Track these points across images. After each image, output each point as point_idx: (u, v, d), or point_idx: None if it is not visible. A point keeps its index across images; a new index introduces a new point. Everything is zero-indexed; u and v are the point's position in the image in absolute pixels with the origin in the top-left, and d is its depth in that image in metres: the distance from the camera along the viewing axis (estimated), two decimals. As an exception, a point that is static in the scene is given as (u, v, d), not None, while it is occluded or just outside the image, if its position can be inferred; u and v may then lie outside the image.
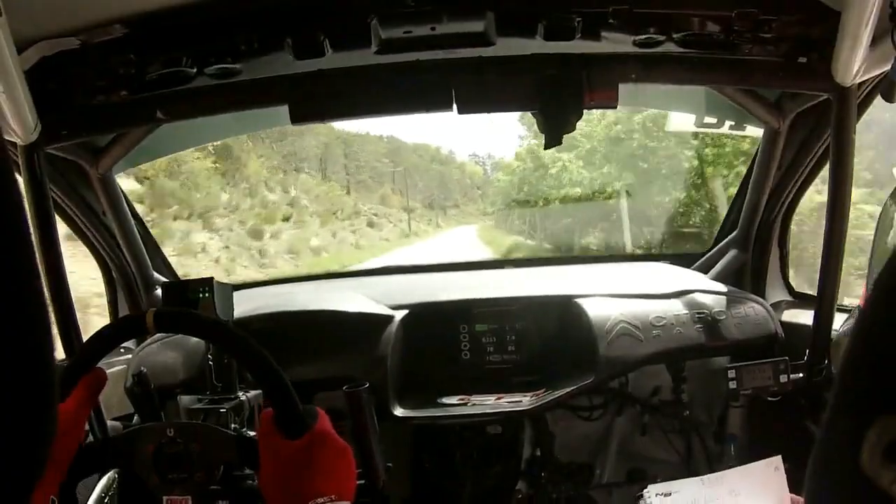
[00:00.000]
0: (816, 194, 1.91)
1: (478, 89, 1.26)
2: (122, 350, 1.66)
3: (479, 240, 17.10)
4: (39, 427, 0.36)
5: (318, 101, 1.26)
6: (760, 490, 1.08)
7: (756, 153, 1.71)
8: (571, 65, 1.23)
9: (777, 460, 1.11)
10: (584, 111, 1.26)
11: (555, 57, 1.24)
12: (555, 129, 1.26)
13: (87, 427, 1.20)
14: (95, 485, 1.13)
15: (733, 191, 2.03)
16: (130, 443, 0.94)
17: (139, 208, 2.03)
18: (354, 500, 0.81)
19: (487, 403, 1.52)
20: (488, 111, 1.29)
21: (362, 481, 1.12)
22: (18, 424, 0.34)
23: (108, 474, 1.13)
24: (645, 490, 1.15)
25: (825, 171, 1.42)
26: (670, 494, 1.13)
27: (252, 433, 1.04)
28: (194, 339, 1.44)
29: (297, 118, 1.27)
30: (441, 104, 1.26)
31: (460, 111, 1.26)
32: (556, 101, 1.24)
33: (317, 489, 0.76)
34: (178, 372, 1.50)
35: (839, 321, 1.41)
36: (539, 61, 1.25)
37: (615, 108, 1.30)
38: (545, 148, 1.32)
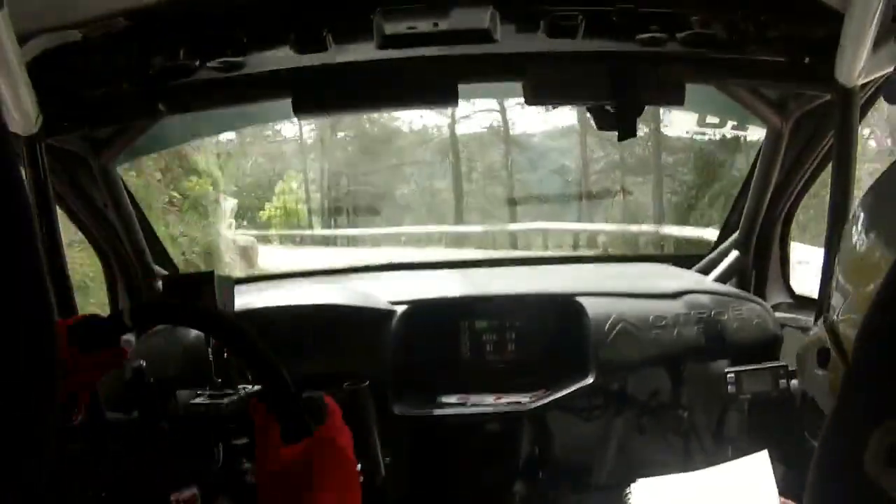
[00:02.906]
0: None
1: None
2: (126, 339, 1.66)
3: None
4: (41, 424, 0.36)
5: (322, 94, 1.26)
6: (747, 485, 1.08)
7: (758, 154, 1.70)
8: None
9: (763, 455, 1.11)
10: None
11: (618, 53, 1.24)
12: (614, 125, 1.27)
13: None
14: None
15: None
16: (128, 434, 0.95)
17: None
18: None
19: (487, 403, 1.52)
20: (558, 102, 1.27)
21: (360, 479, 1.12)
22: (18, 421, 0.34)
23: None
24: (632, 485, 1.15)
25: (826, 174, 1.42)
26: (657, 491, 1.13)
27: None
28: (194, 333, 1.44)
29: (299, 111, 1.28)
30: (445, 99, 1.26)
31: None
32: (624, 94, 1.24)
33: (317, 488, 0.69)
34: (176, 365, 1.50)
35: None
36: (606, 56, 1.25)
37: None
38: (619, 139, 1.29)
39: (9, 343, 0.33)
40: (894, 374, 0.34)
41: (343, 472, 0.73)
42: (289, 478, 0.70)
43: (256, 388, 1.20)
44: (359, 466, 1.04)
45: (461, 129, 14.24)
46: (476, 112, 13.37)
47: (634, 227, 9.85)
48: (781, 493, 1.06)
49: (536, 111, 17.86)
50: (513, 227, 11.91)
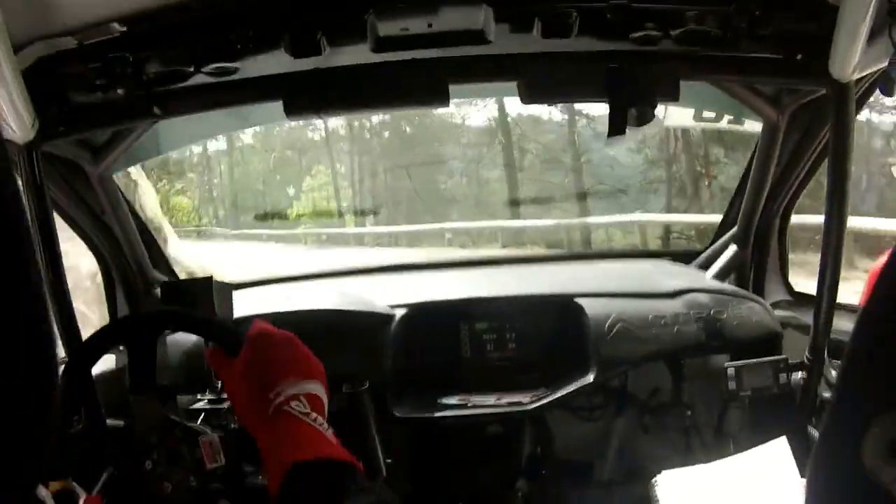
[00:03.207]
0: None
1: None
2: (121, 349, 1.66)
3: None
4: (40, 428, 0.36)
5: (313, 96, 1.27)
6: (769, 471, 1.08)
7: (755, 149, 1.70)
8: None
9: (783, 441, 1.11)
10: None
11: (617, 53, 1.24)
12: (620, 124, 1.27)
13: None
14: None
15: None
16: (128, 441, 0.95)
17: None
18: (332, 397, 0.78)
19: (487, 403, 1.52)
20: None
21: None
22: (18, 425, 0.34)
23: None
24: (655, 478, 1.15)
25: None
26: (682, 481, 1.13)
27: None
28: (193, 338, 1.44)
29: (291, 113, 1.28)
30: (436, 100, 1.26)
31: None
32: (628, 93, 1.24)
33: (274, 380, 0.73)
34: (176, 371, 1.50)
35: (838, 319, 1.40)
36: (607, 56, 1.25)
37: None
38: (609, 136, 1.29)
39: (8, 345, 0.33)
40: (890, 369, 0.34)
41: (288, 348, 0.78)
42: (248, 376, 0.75)
43: None
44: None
45: (513, 106, 11.51)
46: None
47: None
48: None
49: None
50: (596, 219, 9.90)
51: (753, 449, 1.14)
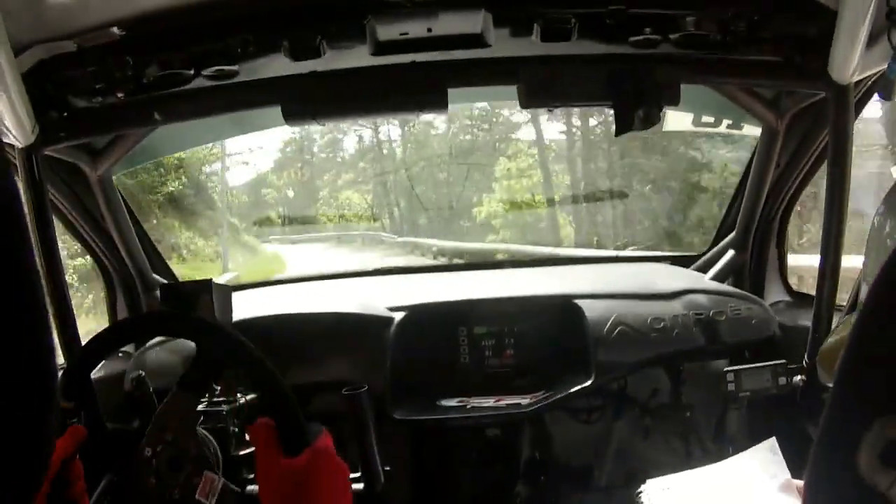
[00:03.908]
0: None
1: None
2: (120, 354, 1.66)
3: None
4: (40, 433, 0.36)
5: (313, 101, 1.27)
6: (760, 474, 1.08)
7: (754, 152, 1.71)
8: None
9: (772, 442, 1.11)
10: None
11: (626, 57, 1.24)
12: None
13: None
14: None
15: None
16: (128, 446, 0.94)
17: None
18: None
19: (486, 405, 1.51)
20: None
21: (361, 486, 1.12)
22: (18, 431, 0.34)
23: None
24: (643, 485, 1.15)
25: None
26: (669, 488, 1.13)
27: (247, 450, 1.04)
28: (193, 343, 1.43)
29: (290, 118, 1.28)
30: (435, 105, 1.26)
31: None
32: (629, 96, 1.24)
33: None
34: (176, 375, 1.49)
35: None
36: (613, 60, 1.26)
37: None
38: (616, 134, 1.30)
39: (6, 349, 0.33)
40: (888, 373, 0.34)
41: (339, 481, 0.77)
42: (290, 486, 0.73)
43: (254, 396, 1.20)
44: (358, 473, 1.04)
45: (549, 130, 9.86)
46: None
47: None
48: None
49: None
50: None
51: (743, 452, 1.14)
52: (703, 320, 1.55)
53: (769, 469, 1.08)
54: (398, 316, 1.59)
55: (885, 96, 1.13)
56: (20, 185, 1.22)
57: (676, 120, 1.85)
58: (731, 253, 1.82)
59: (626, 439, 1.77)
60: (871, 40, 1.09)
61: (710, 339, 1.54)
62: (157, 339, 1.57)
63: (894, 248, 0.35)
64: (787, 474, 1.05)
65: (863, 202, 1.81)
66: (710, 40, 1.16)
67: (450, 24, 1.12)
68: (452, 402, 1.55)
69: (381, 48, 1.15)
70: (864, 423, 0.33)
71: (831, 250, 1.31)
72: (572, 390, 1.48)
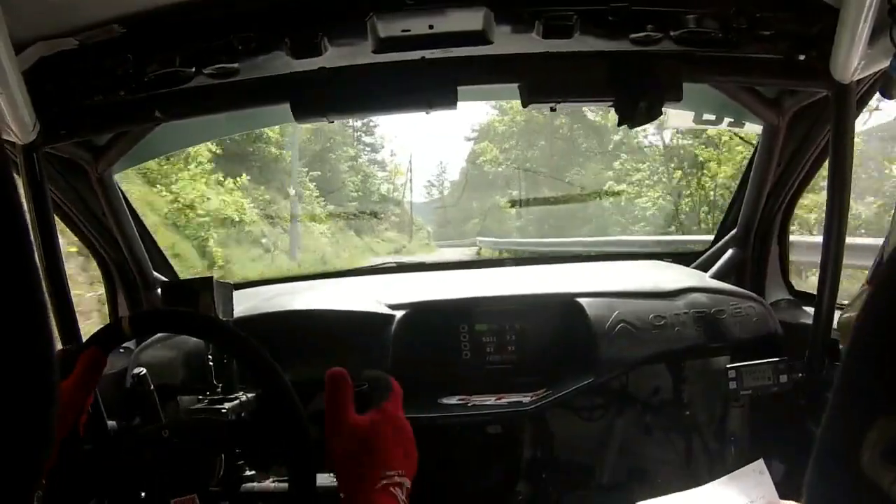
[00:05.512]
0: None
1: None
2: (121, 350, 1.66)
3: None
4: (41, 429, 0.36)
5: (320, 98, 1.26)
6: (746, 497, 1.07)
7: (755, 150, 1.71)
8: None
9: (760, 464, 1.11)
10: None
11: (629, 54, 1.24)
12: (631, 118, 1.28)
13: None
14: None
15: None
16: (129, 444, 0.94)
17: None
18: None
19: (488, 404, 1.51)
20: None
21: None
22: (19, 426, 0.34)
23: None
24: None
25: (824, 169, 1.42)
26: None
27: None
28: (194, 339, 1.44)
29: (299, 115, 1.28)
30: (445, 102, 1.26)
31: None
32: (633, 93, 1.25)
33: (397, 462, 0.83)
34: (177, 372, 1.50)
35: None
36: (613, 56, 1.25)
37: None
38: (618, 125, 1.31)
39: (7, 347, 0.33)
40: (890, 371, 0.34)
41: (403, 440, 0.89)
42: (355, 443, 0.82)
43: (255, 393, 1.20)
44: None
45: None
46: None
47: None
48: (783, 489, 1.06)
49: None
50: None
51: (731, 474, 1.13)
52: (705, 318, 1.55)
53: (757, 491, 1.07)
54: (399, 314, 1.59)
55: (887, 94, 1.13)
56: (21, 183, 1.22)
57: (678, 117, 1.85)
58: (732, 251, 1.82)
59: (627, 437, 1.77)
60: (873, 38, 1.09)
61: (712, 337, 1.54)
62: (159, 336, 1.57)
63: (890, 254, 0.35)
64: (776, 495, 1.05)
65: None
66: (711, 38, 1.16)
67: (451, 21, 1.11)
68: (454, 401, 1.55)
69: (383, 45, 1.15)
70: (866, 420, 0.33)
71: (832, 248, 1.31)
72: (574, 388, 1.48)
